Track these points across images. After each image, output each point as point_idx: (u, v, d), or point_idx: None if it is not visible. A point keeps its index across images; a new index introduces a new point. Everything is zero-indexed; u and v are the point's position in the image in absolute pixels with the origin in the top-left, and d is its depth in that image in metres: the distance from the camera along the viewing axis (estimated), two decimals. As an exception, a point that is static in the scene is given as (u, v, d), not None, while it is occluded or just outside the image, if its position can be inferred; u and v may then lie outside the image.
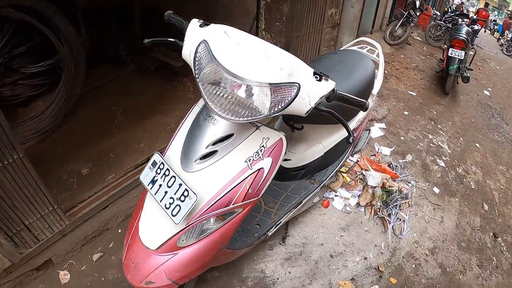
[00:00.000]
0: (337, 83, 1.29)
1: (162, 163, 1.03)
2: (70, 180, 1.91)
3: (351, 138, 1.04)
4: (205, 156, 1.01)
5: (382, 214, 2.03)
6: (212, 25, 1.00)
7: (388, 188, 2.09)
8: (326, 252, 1.83)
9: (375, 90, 1.80)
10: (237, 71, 0.86)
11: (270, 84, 0.86)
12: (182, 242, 1.03)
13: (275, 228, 1.57)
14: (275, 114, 0.90)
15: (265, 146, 1.05)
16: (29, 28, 2.12)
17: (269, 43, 0.97)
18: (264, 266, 1.73)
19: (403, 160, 2.50)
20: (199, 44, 0.93)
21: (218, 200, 1.00)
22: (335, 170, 1.79)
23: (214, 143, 1.00)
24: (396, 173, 2.27)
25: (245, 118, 0.88)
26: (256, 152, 1.04)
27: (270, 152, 1.06)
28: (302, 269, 1.74)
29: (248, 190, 1.03)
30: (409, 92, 3.54)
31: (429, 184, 2.35)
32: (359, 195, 2.14)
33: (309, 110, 0.94)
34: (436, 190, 2.33)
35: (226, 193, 1.01)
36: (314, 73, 0.96)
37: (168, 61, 3.05)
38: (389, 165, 2.37)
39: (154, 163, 1.05)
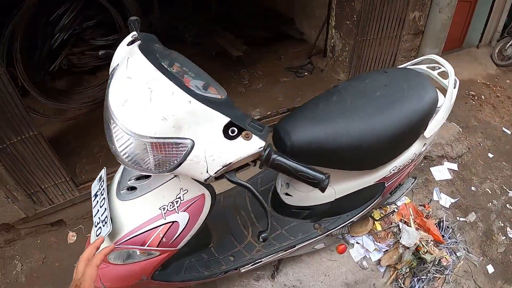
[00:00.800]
0: (367, 116, 1.09)
1: (103, 181, 0.97)
2: (98, 154, 2.07)
3: None
4: (131, 188, 0.93)
5: (404, 284, 1.62)
6: (134, 44, 0.80)
7: (422, 254, 1.64)
8: (316, 306, 1.58)
9: (428, 133, 1.36)
10: (115, 112, 0.68)
11: (148, 137, 0.66)
12: (111, 259, 1.00)
13: (252, 266, 1.40)
14: (166, 174, 0.73)
15: (181, 198, 0.90)
16: (98, 3, 2.29)
17: (166, 78, 0.70)
18: None
19: (462, 219, 1.93)
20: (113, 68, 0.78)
21: (134, 236, 0.93)
22: (349, 221, 1.48)
23: (137, 179, 0.92)
24: (442, 236, 1.77)
25: (135, 169, 0.72)
26: (171, 203, 0.90)
27: (187, 207, 0.91)
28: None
29: (162, 238, 0.93)
30: (504, 129, 2.66)
31: (483, 259, 1.77)
32: (386, 251, 1.75)
33: (208, 178, 0.71)
34: (490, 269, 1.74)
35: (141, 233, 0.92)
36: (230, 125, 0.71)
37: (227, 48, 2.96)
38: (438, 223, 1.86)
39: (100, 178, 1.00)
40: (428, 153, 2.23)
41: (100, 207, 0.94)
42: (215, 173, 0.71)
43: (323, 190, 0.75)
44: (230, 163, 0.70)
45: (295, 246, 1.44)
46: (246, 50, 2.80)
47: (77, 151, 2.10)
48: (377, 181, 1.35)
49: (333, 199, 1.37)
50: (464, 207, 2.01)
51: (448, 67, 1.44)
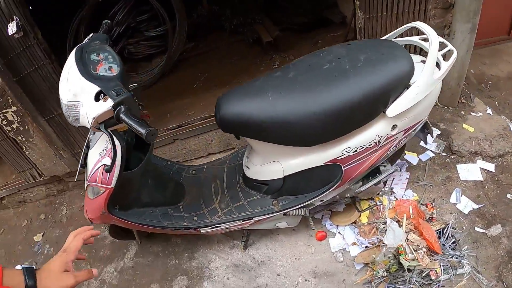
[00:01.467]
0: (301, 90, 1.17)
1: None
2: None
3: None
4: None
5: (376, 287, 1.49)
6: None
7: (404, 259, 1.46)
8: (275, 285, 1.61)
9: (392, 111, 1.20)
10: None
11: (65, 101, 1.05)
12: (88, 194, 1.34)
13: (211, 228, 1.53)
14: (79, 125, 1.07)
15: (106, 147, 1.20)
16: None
17: (76, 68, 1.03)
18: (214, 259, 1.77)
19: (481, 230, 1.59)
20: None
21: (91, 175, 1.24)
22: (306, 203, 1.45)
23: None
24: (442, 246, 1.51)
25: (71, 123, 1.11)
26: (103, 150, 1.21)
27: (109, 153, 1.18)
28: (240, 285, 1.64)
29: (102, 177, 1.21)
30: None
31: (496, 285, 1.43)
32: (366, 247, 1.62)
33: (90, 128, 1.01)
34: (501, 297, 1.41)
35: (93, 172, 1.23)
36: (100, 93, 0.99)
37: (260, 34, 3.05)
38: (441, 231, 1.58)
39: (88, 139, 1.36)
40: (457, 146, 1.89)
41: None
42: (91, 123, 1.00)
43: (148, 143, 1.01)
44: (95, 116, 0.98)
45: (252, 218, 1.51)
46: (278, 36, 2.85)
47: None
48: (328, 161, 1.30)
49: (283, 176, 1.38)
50: (489, 216, 1.65)
51: (429, 31, 1.25)
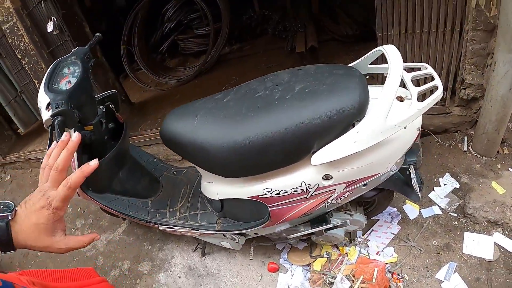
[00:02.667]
0: (223, 119, 1.16)
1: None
2: (158, 118, 2.80)
3: None
4: None
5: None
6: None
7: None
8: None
9: (318, 158, 1.04)
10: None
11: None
12: None
13: (166, 228, 1.67)
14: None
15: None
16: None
17: (44, 85, 1.29)
18: (176, 256, 1.93)
19: None
20: None
21: None
22: (241, 231, 1.45)
23: None
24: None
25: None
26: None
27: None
28: (185, 286, 1.76)
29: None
30: None
31: None
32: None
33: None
34: None
35: None
36: (49, 103, 1.21)
37: (296, 43, 2.91)
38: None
39: None
40: (473, 209, 1.52)
41: None
42: (46, 126, 1.23)
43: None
44: (43, 121, 1.23)
45: (198, 230, 1.59)
46: (312, 47, 2.69)
47: (151, 112, 2.95)
48: (251, 197, 1.25)
49: (217, 198, 1.39)
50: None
51: (391, 57, 1.04)
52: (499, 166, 1.64)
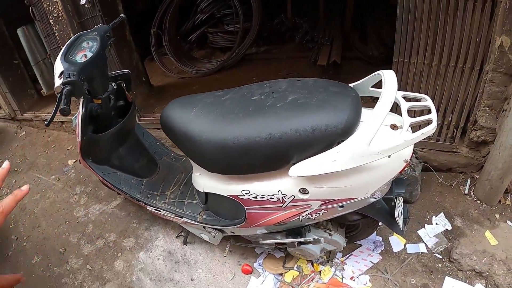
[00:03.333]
0: (216, 115, 1.24)
1: None
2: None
3: None
4: None
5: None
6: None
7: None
8: (183, 287, 1.76)
9: (295, 171, 1.08)
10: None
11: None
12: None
13: (154, 209, 1.77)
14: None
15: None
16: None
17: (61, 55, 1.43)
18: (160, 238, 2.03)
19: None
20: None
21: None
22: (219, 228, 1.53)
23: None
24: None
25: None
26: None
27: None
28: (161, 269, 1.85)
29: (78, 126, 1.62)
30: None
31: None
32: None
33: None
34: None
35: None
36: (62, 72, 1.35)
37: (319, 55, 2.93)
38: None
39: None
40: (460, 255, 1.51)
41: None
42: (56, 92, 1.34)
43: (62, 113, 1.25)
44: (55, 88, 1.35)
45: (182, 218, 1.67)
46: (334, 62, 2.72)
47: (168, 97, 3.09)
48: (231, 195, 1.32)
49: (202, 191, 1.47)
50: None
51: (387, 82, 1.07)
52: (497, 216, 1.62)
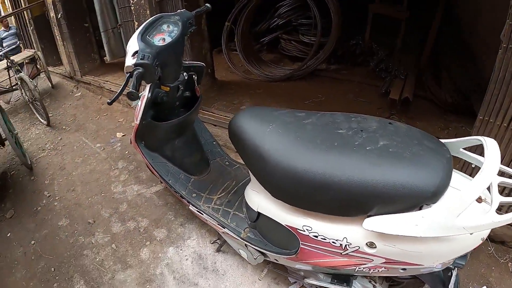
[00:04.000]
0: (298, 144, 1.18)
1: None
2: (233, 103, 2.97)
3: None
4: None
5: None
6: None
7: None
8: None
9: (368, 224, 1.03)
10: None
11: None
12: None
13: (196, 210, 1.78)
14: None
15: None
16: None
17: (138, 33, 1.46)
18: (193, 239, 2.02)
19: None
20: None
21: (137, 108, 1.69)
22: (264, 252, 1.48)
23: None
24: None
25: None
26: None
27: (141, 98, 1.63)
28: (188, 272, 1.86)
29: (136, 112, 1.67)
30: None
31: None
32: None
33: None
34: None
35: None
36: (136, 52, 1.38)
37: (392, 87, 2.84)
38: None
39: None
40: None
41: None
42: (125, 71, 1.35)
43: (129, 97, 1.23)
44: (125, 67, 1.36)
45: (224, 228, 1.67)
46: (406, 99, 2.63)
47: (229, 95, 3.14)
48: (288, 226, 1.27)
49: (256, 210, 1.46)
50: None
51: (490, 153, 0.99)
52: None
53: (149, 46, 1.37)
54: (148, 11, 2.84)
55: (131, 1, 3.00)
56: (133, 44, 1.41)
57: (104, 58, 4.55)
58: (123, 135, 3.09)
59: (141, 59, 1.30)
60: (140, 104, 1.56)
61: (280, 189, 1.24)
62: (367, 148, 1.09)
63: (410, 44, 3.51)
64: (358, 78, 3.23)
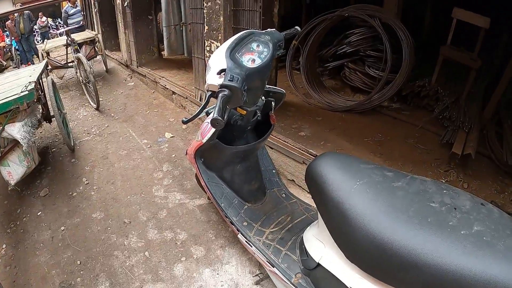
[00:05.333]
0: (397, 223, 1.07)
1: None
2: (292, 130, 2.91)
3: None
4: None
5: None
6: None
7: None
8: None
9: None
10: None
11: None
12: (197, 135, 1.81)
13: (244, 240, 1.72)
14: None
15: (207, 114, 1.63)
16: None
17: (227, 49, 1.35)
18: (232, 265, 1.94)
19: None
20: None
21: (204, 124, 1.70)
22: None
23: None
24: None
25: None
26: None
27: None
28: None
29: (203, 130, 1.66)
30: None
31: None
32: None
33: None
34: None
35: (205, 123, 1.67)
36: (223, 70, 1.27)
37: (455, 140, 2.67)
38: None
39: None
40: None
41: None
42: (206, 89, 1.29)
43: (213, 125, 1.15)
44: (207, 84, 1.28)
45: (273, 267, 1.60)
46: (468, 155, 2.48)
47: (287, 117, 3.08)
48: (351, 287, 1.19)
49: (317, 261, 1.37)
50: None
51: None
52: None
53: (238, 66, 1.27)
54: (221, 18, 2.84)
55: (205, 4, 3.01)
56: (219, 60, 1.31)
57: (162, 52, 4.65)
58: (172, 136, 3.10)
59: (229, 80, 1.19)
60: (209, 125, 1.52)
61: (359, 255, 1.15)
62: (462, 232, 1.01)
63: (476, 95, 3.34)
64: (420, 123, 3.09)
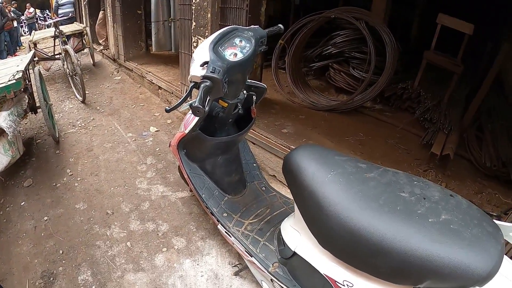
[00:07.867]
0: (351, 201, 1.15)
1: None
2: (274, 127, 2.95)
3: None
4: None
5: None
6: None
7: None
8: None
9: None
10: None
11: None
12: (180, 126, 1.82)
13: (224, 231, 1.76)
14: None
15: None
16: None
17: (210, 42, 1.42)
18: (212, 256, 1.98)
19: None
20: None
21: (187, 115, 1.72)
22: None
23: None
24: None
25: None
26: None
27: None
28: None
29: (186, 121, 1.69)
30: None
31: None
32: None
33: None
34: None
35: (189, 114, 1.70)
36: (206, 62, 1.31)
37: (435, 140, 2.78)
38: None
39: None
40: None
41: None
42: (190, 80, 1.33)
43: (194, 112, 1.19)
44: (190, 75, 1.32)
45: (251, 257, 1.64)
46: (447, 156, 2.57)
47: (270, 114, 3.13)
48: (327, 275, 1.24)
49: (292, 249, 1.42)
50: None
51: None
52: None
53: (220, 59, 1.32)
54: (209, 15, 2.87)
55: (193, 0, 3.03)
56: (202, 53, 1.36)
57: (150, 48, 4.64)
58: (157, 130, 3.11)
59: (211, 72, 1.24)
60: (193, 117, 1.55)
61: (332, 241, 1.21)
62: (429, 220, 1.08)
63: (457, 99, 3.46)
64: (401, 124, 3.18)
